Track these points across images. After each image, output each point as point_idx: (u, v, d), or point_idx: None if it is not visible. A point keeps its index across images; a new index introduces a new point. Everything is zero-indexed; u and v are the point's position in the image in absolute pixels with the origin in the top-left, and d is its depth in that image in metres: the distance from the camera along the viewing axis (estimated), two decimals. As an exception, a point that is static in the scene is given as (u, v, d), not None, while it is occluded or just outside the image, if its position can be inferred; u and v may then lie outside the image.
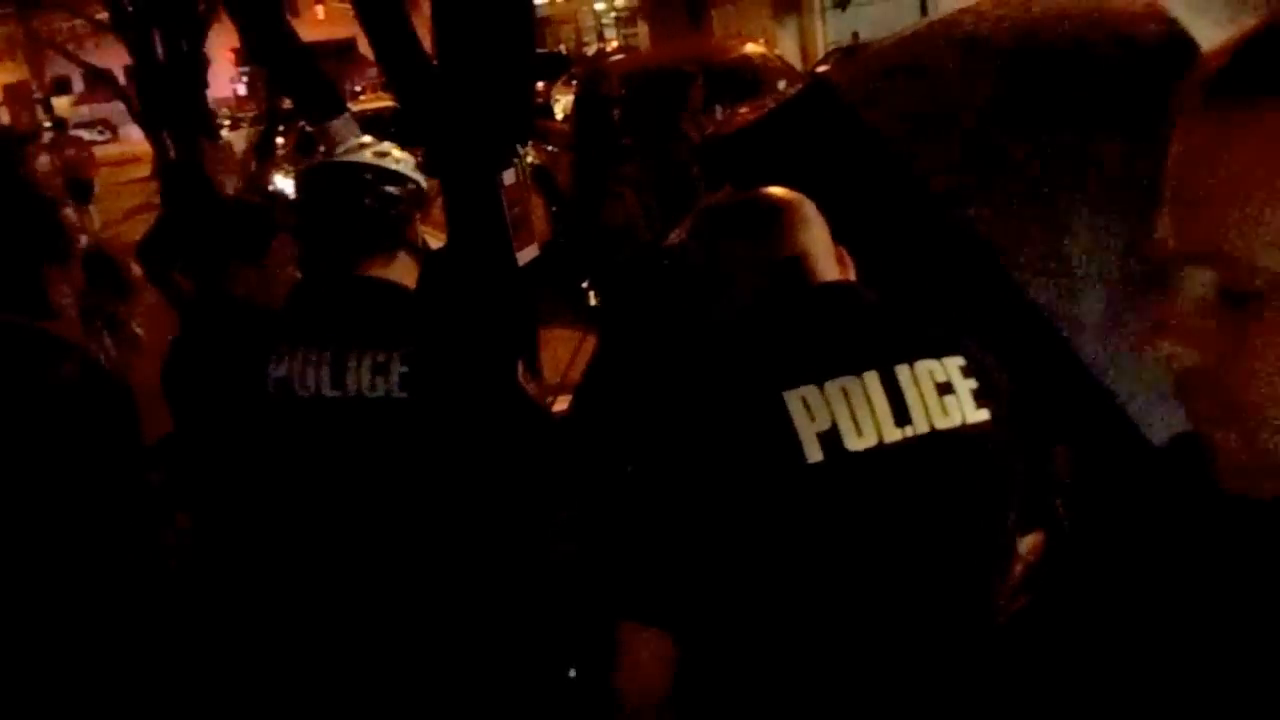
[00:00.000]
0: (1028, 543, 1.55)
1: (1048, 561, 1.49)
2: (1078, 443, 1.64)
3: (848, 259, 1.62)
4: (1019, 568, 1.47)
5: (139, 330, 3.62)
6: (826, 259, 1.58)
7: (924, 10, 17.11)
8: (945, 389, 1.47)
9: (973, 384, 1.49)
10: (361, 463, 1.98)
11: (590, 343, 3.24)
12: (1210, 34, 2.05)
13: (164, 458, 3.51)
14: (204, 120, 14.08)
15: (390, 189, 2.06)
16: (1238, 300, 0.65)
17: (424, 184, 2.16)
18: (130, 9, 17.00)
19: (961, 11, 2.45)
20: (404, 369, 1.92)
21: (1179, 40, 2.03)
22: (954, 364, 1.49)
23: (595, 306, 6.25)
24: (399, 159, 2.12)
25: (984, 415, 1.48)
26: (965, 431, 1.47)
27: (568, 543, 2.07)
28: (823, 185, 1.63)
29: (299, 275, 2.70)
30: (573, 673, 2.25)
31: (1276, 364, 0.64)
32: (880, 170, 2.07)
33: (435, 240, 2.21)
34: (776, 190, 1.61)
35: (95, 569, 3.06)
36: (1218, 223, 0.65)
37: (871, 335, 1.50)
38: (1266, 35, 0.64)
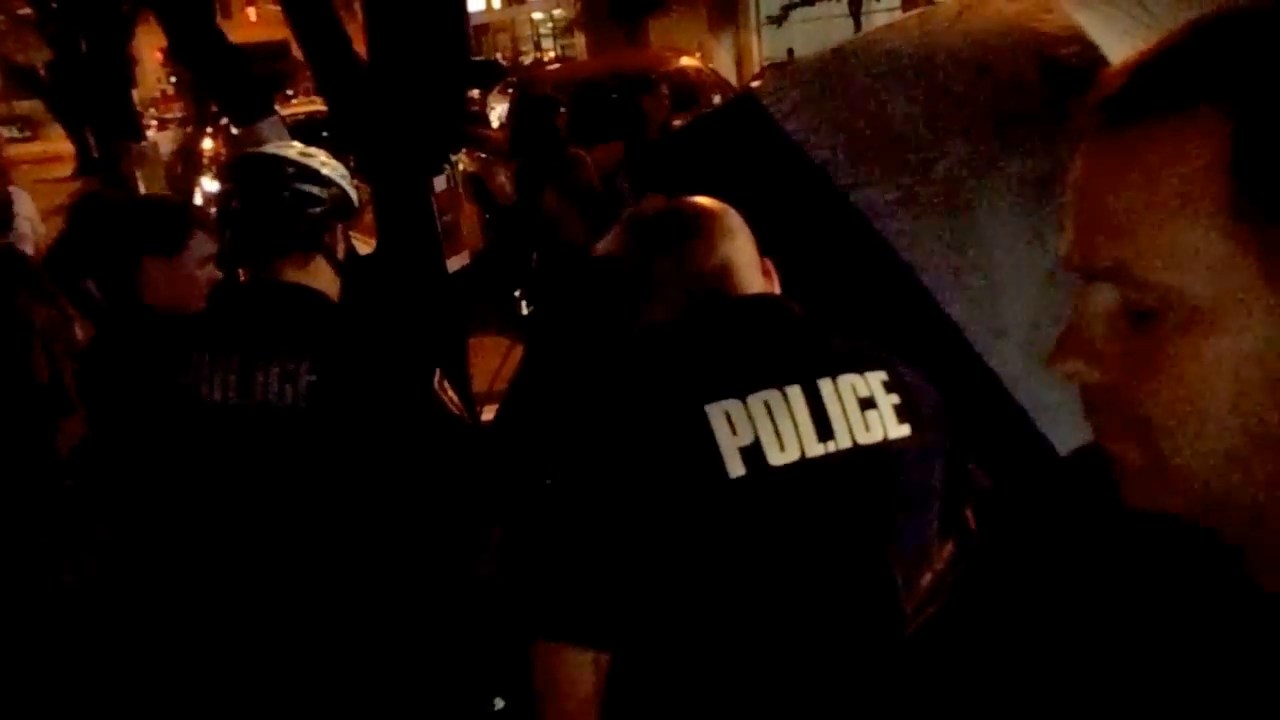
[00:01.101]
0: (940, 553, 1.57)
1: (955, 571, 1.51)
2: (988, 454, 1.66)
3: (773, 271, 1.61)
4: (927, 577, 1.48)
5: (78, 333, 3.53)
6: (751, 270, 1.57)
7: (858, 27, 17.38)
8: (868, 404, 1.48)
9: (895, 399, 1.50)
10: (267, 474, 1.92)
11: (519, 352, 3.22)
12: (1126, 54, 2.10)
13: (79, 464, 3.42)
14: (130, 120, 13.74)
15: (310, 188, 1.99)
16: (1139, 317, 0.66)
17: (352, 193, 2.10)
18: (53, 5, 16.58)
19: (887, 28, 2.50)
20: (311, 378, 1.87)
21: (1096, 62, 2.08)
22: (876, 379, 1.50)
23: (526, 315, 6.23)
24: (325, 163, 2.07)
25: (905, 430, 1.49)
26: (887, 447, 1.47)
27: (491, 560, 2.03)
28: (748, 196, 1.64)
29: (217, 275, 2.64)
30: (500, 703, 2.21)
31: (1177, 380, 0.65)
32: (802, 182, 2.09)
33: (365, 246, 2.17)
34: (702, 200, 1.60)
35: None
36: (1118, 241, 0.66)
37: (795, 349, 1.50)
38: (1157, 57, 0.66)
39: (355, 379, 1.90)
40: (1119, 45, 2.13)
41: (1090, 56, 2.08)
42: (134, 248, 2.47)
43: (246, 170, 2.05)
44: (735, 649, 1.43)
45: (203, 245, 2.43)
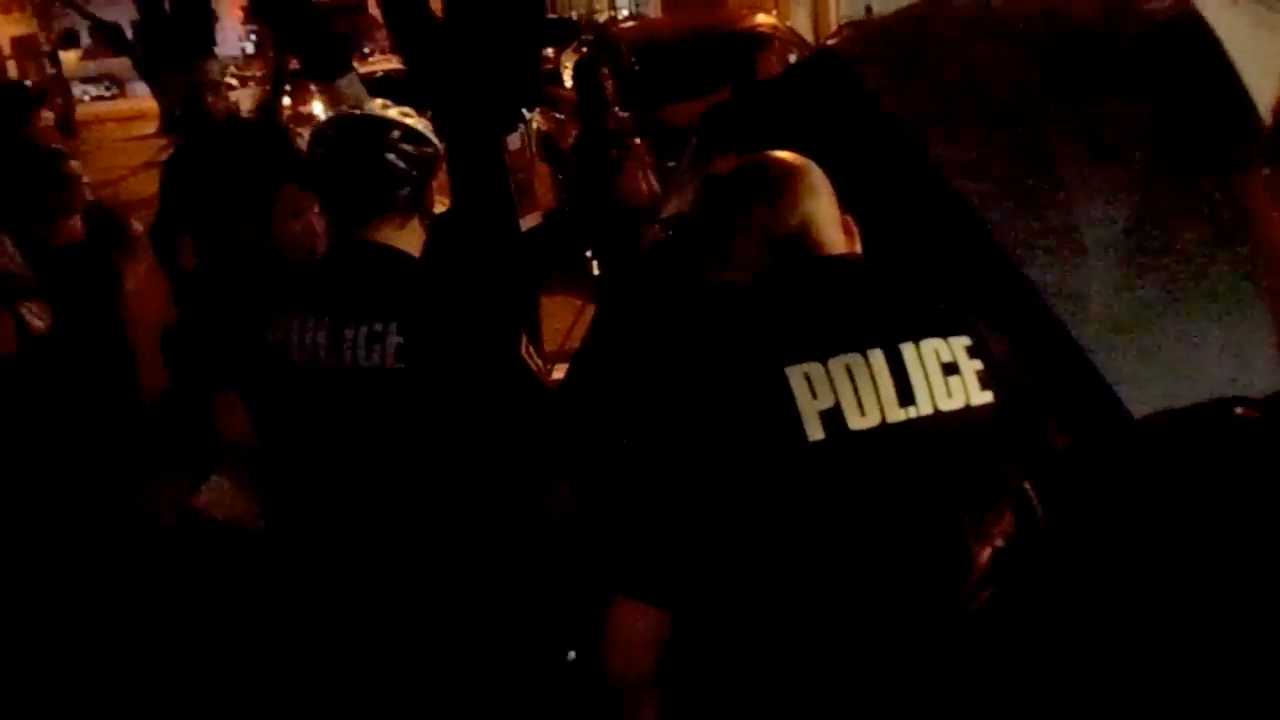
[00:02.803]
0: (999, 529, 1.54)
1: (1014, 550, 1.48)
2: (1063, 417, 1.62)
3: (854, 228, 1.58)
4: (986, 553, 1.45)
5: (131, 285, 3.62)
6: (833, 228, 1.54)
7: (939, -15, 16.93)
8: (950, 369, 1.45)
9: (978, 365, 1.47)
10: (354, 434, 1.94)
11: (591, 312, 3.22)
12: (1221, 15, 2.02)
13: (161, 417, 3.52)
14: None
15: (414, 149, 2.00)
16: None
17: (440, 149, 2.11)
18: (139, -37, 16.84)
19: (970, -17, 2.42)
20: (399, 340, 1.88)
21: (1189, 18, 2.00)
22: (960, 344, 1.47)
23: (597, 276, 6.24)
24: (419, 121, 2.07)
25: (988, 398, 1.46)
26: (969, 414, 1.44)
27: (567, 517, 2.04)
28: (827, 153, 1.60)
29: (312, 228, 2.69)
30: (572, 655, 2.23)
31: None
32: (881, 139, 2.04)
33: (438, 205, 2.17)
34: (783, 154, 1.57)
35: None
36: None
37: (877, 312, 1.47)
38: None
39: (443, 342, 1.90)
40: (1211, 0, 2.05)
41: (1183, 9, 2.01)
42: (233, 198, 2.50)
43: (351, 132, 2.02)
44: (803, 612, 1.42)
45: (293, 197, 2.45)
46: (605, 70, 5.52)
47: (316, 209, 2.90)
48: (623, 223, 4.76)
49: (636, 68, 8.39)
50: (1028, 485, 1.50)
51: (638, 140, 5.36)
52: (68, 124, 26.44)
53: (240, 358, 2.05)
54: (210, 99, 4.15)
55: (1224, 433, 1.36)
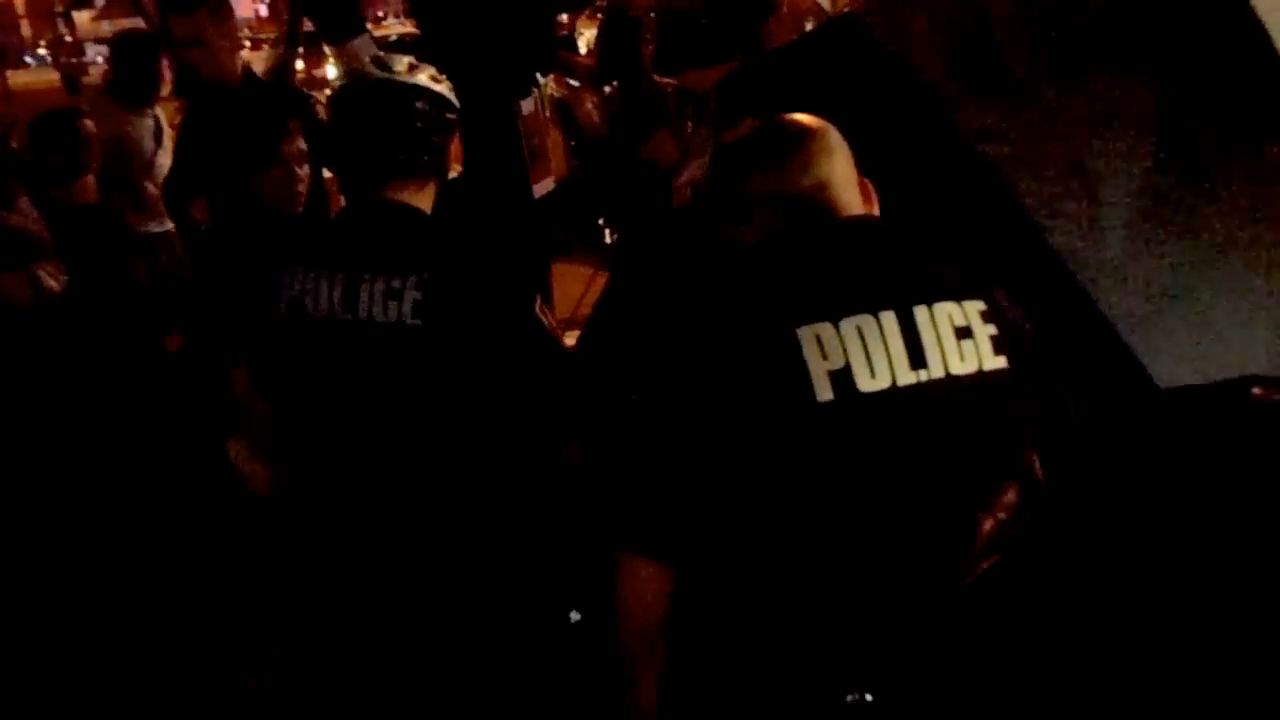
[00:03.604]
0: (1002, 500, 1.53)
1: (1017, 522, 1.48)
2: (1083, 385, 1.62)
3: (872, 192, 1.57)
4: (988, 524, 1.45)
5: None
6: (849, 190, 1.53)
7: (959, -45, 16.74)
8: (964, 333, 1.44)
9: (992, 330, 1.46)
10: (370, 388, 1.96)
11: (603, 279, 3.22)
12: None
13: (176, 371, 3.55)
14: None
15: (442, 114, 2.02)
16: None
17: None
18: (152, -77, 16.73)
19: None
20: (417, 295, 1.89)
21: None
22: (974, 308, 1.46)
23: (610, 244, 6.22)
24: (438, 79, 2.07)
25: (1001, 363, 1.45)
26: (981, 378, 1.44)
27: (573, 475, 2.05)
28: (848, 117, 1.59)
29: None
30: (576, 616, 2.25)
31: None
32: (904, 104, 2.02)
33: (450, 170, 2.17)
34: (800, 116, 1.56)
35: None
36: None
37: (891, 274, 1.47)
38: None
39: (461, 298, 1.91)
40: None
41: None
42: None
43: (376, 95, 2.02)
44: (807, 571, 1.43)
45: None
46: (647, 34, 5.47)
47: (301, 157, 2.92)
48: (655, 185, 4.74)
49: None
50: (1034, 459, 1.50)
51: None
52: (73, 82, 26.93)
53: (255, 313, 2.06)
54: (196, 56, 3.71)
55: (1239, 412, 1.36)
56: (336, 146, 2.08)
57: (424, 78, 2.04)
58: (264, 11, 34.54)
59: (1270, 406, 1.59)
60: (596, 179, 5.96)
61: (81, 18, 44.05)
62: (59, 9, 42.38)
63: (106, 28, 40.77)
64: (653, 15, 6.93)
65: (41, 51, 39.22)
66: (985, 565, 1.50)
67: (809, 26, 7.92)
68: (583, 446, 2.01)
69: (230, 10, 4.23)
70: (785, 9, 6.29)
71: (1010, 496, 1.50)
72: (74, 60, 31.71)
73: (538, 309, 2.00)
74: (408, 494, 1.99)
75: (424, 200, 2.03)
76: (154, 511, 3.28)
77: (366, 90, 2.05)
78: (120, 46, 3.89)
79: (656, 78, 5.49)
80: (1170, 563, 1.60)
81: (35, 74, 33.13)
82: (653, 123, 4.99)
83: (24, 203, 3.40)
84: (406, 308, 1.89)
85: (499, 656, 2.07)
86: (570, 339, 3.04)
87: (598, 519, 1.53)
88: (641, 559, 1.45)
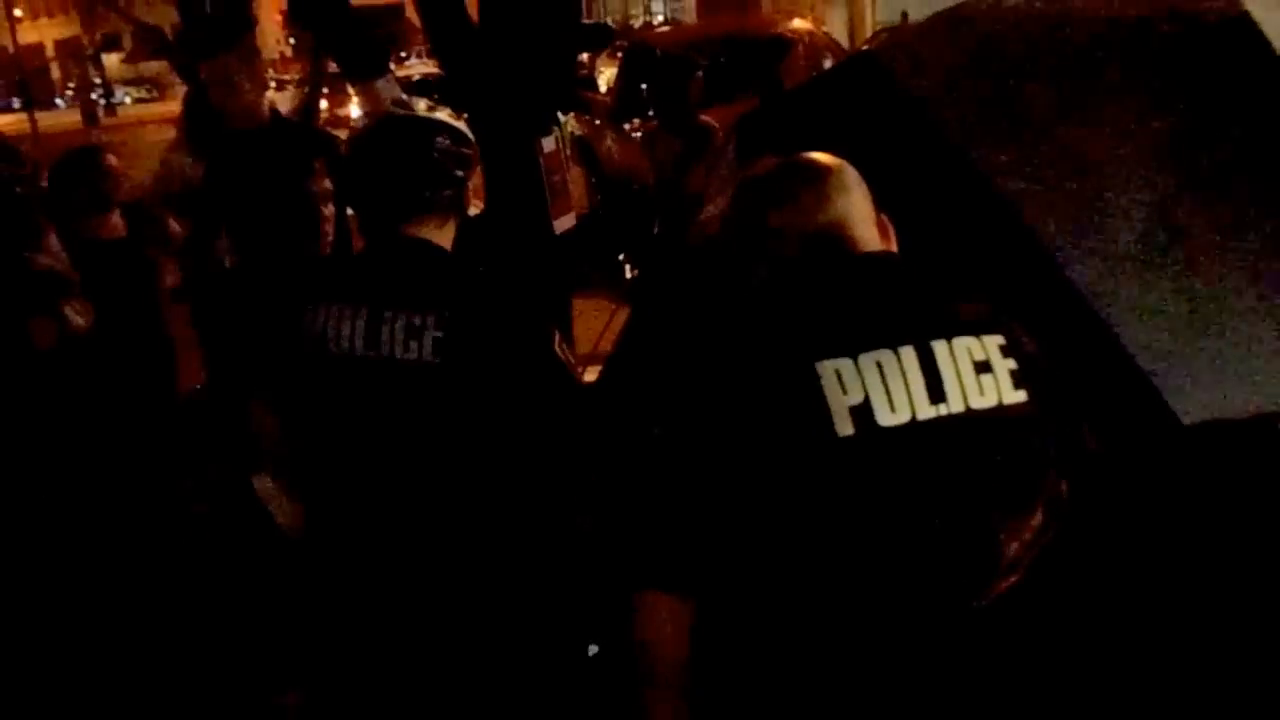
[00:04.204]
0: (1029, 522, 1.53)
1: (1041, 541, 1.47)
2: (1104, 420, 1.61)
3: (890, 228, 1.59)
4: (1014, 546, 1.45)
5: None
6: (867, 227, 1.55)
7: (976, -9, 16.84)
8: (983, 368, 1.44)
9: (1011, 364, 1.46)
10: (391, 425, 1.97)
11: (623, 315, 3.24)
12: (1269, 15, 1.99)
13: (196, 409, 3.57)
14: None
15: (459, 150, 2.04)
16: None
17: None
18: (181, -32, 17.05)
19: (1009, -15, 2.41)
20: (438, 334, 1.91)
21: (1239, 19, 1.98)
22: (993, 343, 1.46)
23: (630, 279, 6.25)
24: (456, 121, 2.10)
25: (1021, 397, 1.45)
26: (1001, 413, 1.44)
27: (590, 513, 2.06)
28: (866, 154, 1.60)
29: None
30: (594, 649, 2.24)
31: None
32: (922, 141, 2.03)
33: (472, 207, 2.19)
34: (818, 155, 1.58)
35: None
36: None
37: (910, 309, 1.47)
38: None
39: (482, 337, 1.92)
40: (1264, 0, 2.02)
41: (1235, 10, 1.98)
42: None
43: (399, 132, 2.05)
44: (829, 605, 1.43)
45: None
46: (699, 73, 5.55)
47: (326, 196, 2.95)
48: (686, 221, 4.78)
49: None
50: (1063, 484, 1.49)
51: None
52: (92, 116, 28.12)
53: (277, 348, 2.08)
54: (221, 95, 3.75)
55: (1267, 448, 1.35)
56: (357, 183, 2.11)
57: (444, 115, 2.07)
58: (289, 52, 35.06)
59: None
60: (617, 214, 6.00)
61: (111, 60, 44.82)
62: (89, 51, 43.11)
63: (135, 70, 41.50)
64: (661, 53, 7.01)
65: (70, 93, 40.08)
66: (1004, 586, 1.49)
67: (827, 64, 7.97)
68: (601, 482, 2.01)
69: (256, 51, 4.27)
70: (802, 48, 6.36)
71: (1037, 519, 1.49)
72: (91, 97, 33.34)
73: (556, 346, 2.01)
74: (428, 529, 1.99)
75: (444, 237, 2.05)
76: (180, 543, 3.30)
77: (386, 127, 2.08)
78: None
79: (703, 118, 5.54)
80: (1195, 597, 1.59)
81: (64, 115, 33.80)
82: (698, 158, 5.04)
83: (52, 241, 3.45)
84: (427, 345, 1.91)
85: (518, 689, 2.07)
86: (591, 374, 3.06)
87: (618, 553, 1.53)
88: (662, 593, 1.44)
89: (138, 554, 3.21)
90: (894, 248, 1.58)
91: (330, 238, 3.16)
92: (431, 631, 2.01)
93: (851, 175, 1.56)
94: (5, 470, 3.07)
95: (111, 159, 3.70)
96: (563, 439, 2.02)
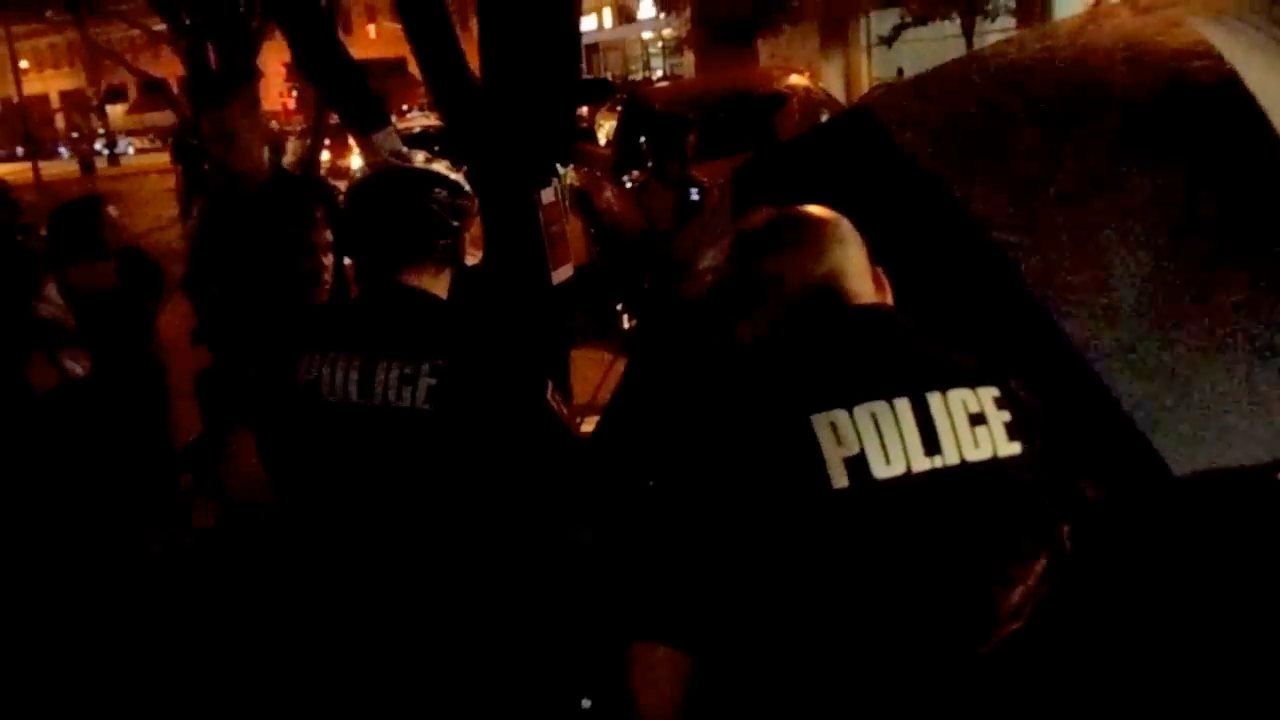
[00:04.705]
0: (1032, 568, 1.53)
1: (1043, 588, 1.47)
2: (1098, 471, 1.61)
3: (885, 281, 1.60)
4: (1018, 592, 1.44)
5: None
6: (862, 279, 1.56)
7: (970, 48, 17.10)
8: (978, 419, 1.44)
9: (1006, 416, 1.46)
10: (383, 472, 1.97)
11: (621, 365, 3.24)
12: (1260, 76, 2.02)
13: (193, 460, 3.56)
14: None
15: (459, 202, 2.07)
16: None
17: (475, 202, 2.17)
18: (187, 21, 17.32)
19: (1006, 42, 2.45)
20: (431, 381, 1.91)
21: (1226, 79, 2.01)
22: (988, 395, 1.47)
23: (628, 330, 6.26)
24: (454, 172, 2.13)
25: (1016, 449, 1.45)
26: (996, 464, 1.44)
27: (585, 564, 2.05)
28: (861, 207, 1.62)
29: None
30: (587, 703, 2.22)
31: None
32: (916, 194, 2.06)
33: (471, 257, 2.21)
34: (813, 208, 1.60)
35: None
36: None
37: (904, 361, 1.48)
38: None
39: (475, 385, 1.93)
40: (1251, 61, 2.05)
41: (1221, 70, 2.01)
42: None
43: (396, 182, 2.08)
44: (828, 657, 1.41)
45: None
46: (694, 130, 5.64)
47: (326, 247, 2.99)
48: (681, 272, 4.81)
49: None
50: (1064, 529, 1.49)
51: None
52: (89, 164, 29.06)
53: (271, 395, 2.08)
54: (224, 146, 3.82)
55: (1264, 498, 1.35)
56: (354, 232, 2.13)
57: (440, 167, 2.10)
58: (292, 104, 35.47)
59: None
60: (615, 265, 6.03)
61: (115, 111, 45.32)
62: (94, 102, 43.62)
63: (139, 121, 42.01)
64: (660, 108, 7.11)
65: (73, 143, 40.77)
66: (1005, 632, 1.48)
67: (824, 118, 8.06)
68: (596, 534, 2.01)
69: (259, 103, 4.33)
70: (798, 103, 6.44)
71: (1037, 568, 1.49)
72: (95, 146, 34.53)
73: (550, 396, 2.01)
74: (419, 577, 1.98)
75: (440, 286, 2.07)
76: (168, 588, 3.27)
77: (384, 178, 2.11)
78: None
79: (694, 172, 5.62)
80: (1191, 647, 1.58)
81: (67, 165, 34.15)
82: (689, 212, 5.10)
83: (51, 290, 3.46)
84: (421, 393, 1.91)
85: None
86: (588, 425, 3.05)
87: (613, 605, 1.53)
88: (657, 645, 1.43)
89: (125, 598, 3.18)
90: (890, 300, 1.59)
91: (328, 287, 3.18)
92: (424, 681, 1.99)
93: (847, 228, 1.58)
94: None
95: (111, 209, 3.72)
96: (553, 488, 2.02)
